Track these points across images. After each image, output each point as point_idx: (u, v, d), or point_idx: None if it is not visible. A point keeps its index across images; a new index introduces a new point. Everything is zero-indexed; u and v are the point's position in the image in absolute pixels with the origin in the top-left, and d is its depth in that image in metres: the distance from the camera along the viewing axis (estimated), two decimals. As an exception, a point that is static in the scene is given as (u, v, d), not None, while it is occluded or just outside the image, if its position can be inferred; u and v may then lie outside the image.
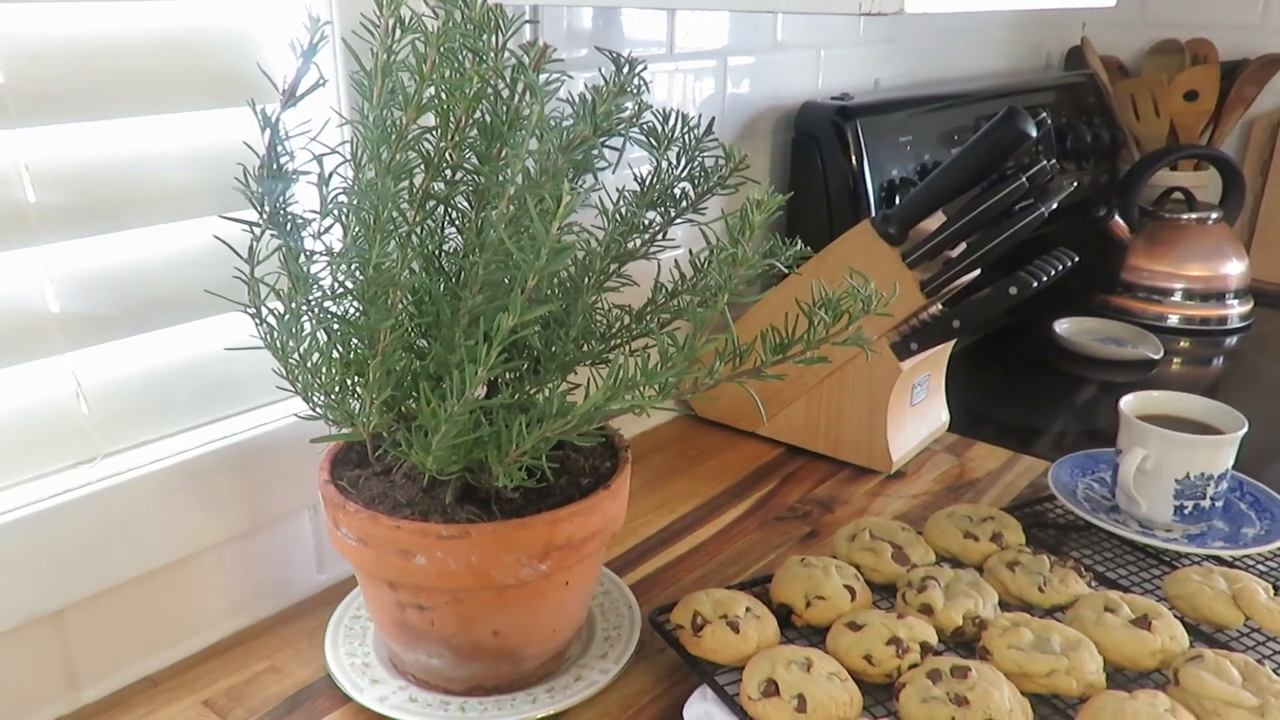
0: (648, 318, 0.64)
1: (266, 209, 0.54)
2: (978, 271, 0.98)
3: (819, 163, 1.14)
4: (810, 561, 0.76)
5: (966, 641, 0.71)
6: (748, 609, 0.71)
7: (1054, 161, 0.92)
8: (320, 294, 0.57)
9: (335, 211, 0.54)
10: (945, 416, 1.09)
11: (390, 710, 0.66)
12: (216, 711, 0.67)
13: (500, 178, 0.50)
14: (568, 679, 0.69)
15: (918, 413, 1.05)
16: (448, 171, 0.57)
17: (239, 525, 0.74)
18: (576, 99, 0.55)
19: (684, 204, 0.65)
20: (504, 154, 0.53)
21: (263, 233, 0.55)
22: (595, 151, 0.65)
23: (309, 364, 0.57)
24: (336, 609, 0.75)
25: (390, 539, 0.61)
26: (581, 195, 0.49)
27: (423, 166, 0.55)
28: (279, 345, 0.57)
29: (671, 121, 0.61)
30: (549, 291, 0.62)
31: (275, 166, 0.52)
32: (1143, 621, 0.68)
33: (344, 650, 0.71)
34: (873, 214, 1.08)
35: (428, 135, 0.56)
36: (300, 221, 0.55)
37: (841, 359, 0.98)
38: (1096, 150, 1.59)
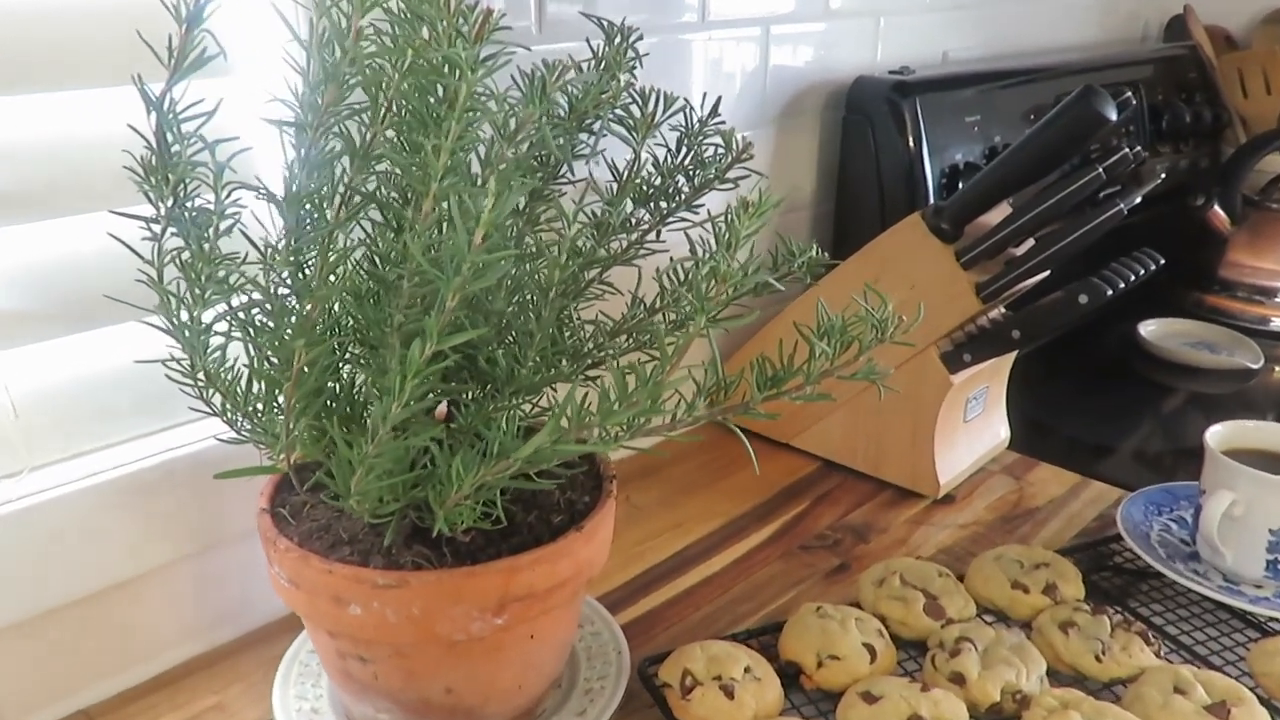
0: (628, 335, 0.55)
1: (165, 204, 0.46)
2: (1047, 273, 0.86)
3: (871, 145, 1.02)
4: (827, 611, 0.66)
5: (1004, 721, 0.60)
6: (747, 669, 0.61)
7: (1138, 149, 0.79)
8: (240, 302, 0.49)
9: (235, 209, 0.45)
10: (1005, 433, 0.98)
11: (331, 769, 0.58)
12: (147, 757, 0.61)
13: (423, 173, 0.41)
14: (536, 741, 0.60)
15: (972, 429, 0.93)
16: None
17: (189, 545, 0.67)
18: (528, 76, 0.45)
19: (676, 201, 0.55)
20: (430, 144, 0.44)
21: (163, 230, 0.47)
22: (586, 137, 0.56)
23: (219, 383, 0.49)
24: (294, 642, 0.68)
25: (322, 584, 0.53)
26: (512, 194, 0.39)
27: (348, 157, 0.46)
28: (189, 360, 0.49)
29: (652, 104, 0.51)
30: (513, 304, 0.53)
31: (165, 155, 0.44)
32: (1220, 709, 0.57)
33: (294, 692, 0.64)
34: (931, 204, 0.96)
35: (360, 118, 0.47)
36: (204, 219, 0.46)
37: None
38: (1196, 131, 1.43)
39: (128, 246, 0.47)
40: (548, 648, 0.60)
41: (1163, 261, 0.83)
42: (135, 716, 0.64)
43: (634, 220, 0.56)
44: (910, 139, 1.00)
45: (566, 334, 0.54)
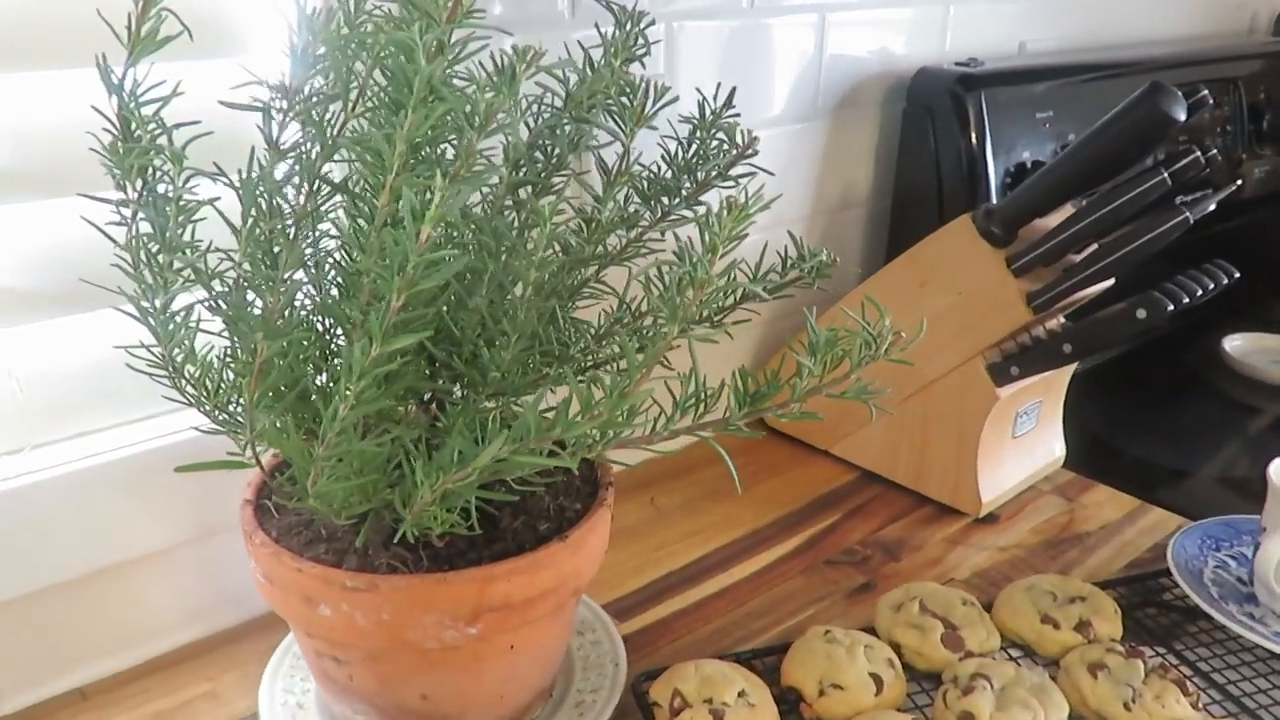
0: (613, 338, 0.52)
1: (135, 188, 0.44)
2: (1110, 282, 0.80)
3: (931, 140, 0.97)
4: (835, 636, 0.62)
5: (1014, 769, 0.56)
6: (741, 693, 0.58)
7: (1213, 152, 0.73)
8: (214, 291, 0.48)
9: (192, 195, 0.44)
10: (1059, 451, 0.92)
11: (307, 769, 0.57)
12: (134, 741, 0.60)
13: (378, 164, 0.39)
14: (518, 753, 0.58)
15: (1022, 446, 0.88)
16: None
17: (190, 529, 0.66)
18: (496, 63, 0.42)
19: (677, 198, 0.52)
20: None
21: (134, 215, 0.45)
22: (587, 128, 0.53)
23: (188, 372, 0.47)
24: (290, 634, 0.67)
25: (293, 583, 0.51)
26: (463, 190, 0.37)
27: (317, 144, 0.44)
28: (160, 349, 0.48)
29: (641, 93, 0.48)
30: (506, 302, 0.51)
31: (128, 139, 0.42)
32: (1256, 775, 0.52)
33: (281, 685, 0.63)
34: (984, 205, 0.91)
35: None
36: (175, 204, 0.45)
37: (927, 378, 0.83)
38: (1302, 133, 1.33)
39: (101, 231, 0.46)
40: (531, 659, 0.57)
41: (1237, 275, 0.76)
42: (128, 699, 0.64)
43: (632, 217, 0.53)
44: (973, 135, 0.95)
45: (556, 335, 0.51)
